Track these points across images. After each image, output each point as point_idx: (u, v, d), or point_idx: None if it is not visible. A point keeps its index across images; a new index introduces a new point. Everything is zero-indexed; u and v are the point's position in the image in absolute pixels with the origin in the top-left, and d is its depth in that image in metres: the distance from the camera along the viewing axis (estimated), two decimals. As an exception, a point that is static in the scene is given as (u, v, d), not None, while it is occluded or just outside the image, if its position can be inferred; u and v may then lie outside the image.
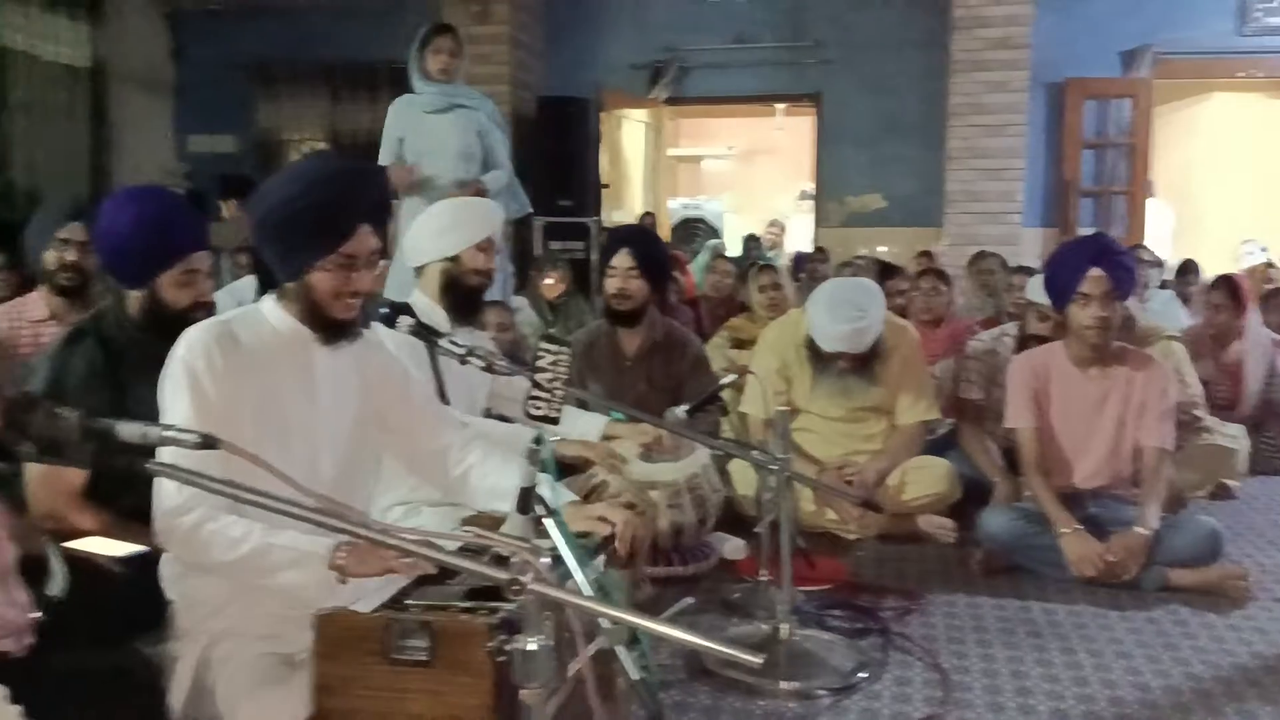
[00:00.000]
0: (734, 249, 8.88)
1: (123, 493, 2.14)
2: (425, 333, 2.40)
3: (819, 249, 7.56)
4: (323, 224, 1.82)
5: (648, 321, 3.65)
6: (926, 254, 6.88)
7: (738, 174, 13.38)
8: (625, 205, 8.75)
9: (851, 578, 3.23)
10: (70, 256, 3.30)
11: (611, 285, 3.59)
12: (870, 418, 3.72)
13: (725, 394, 3.18)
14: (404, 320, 2.39)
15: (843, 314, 3.50)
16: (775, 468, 2.55)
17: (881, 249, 7.80)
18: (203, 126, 9.01)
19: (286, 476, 1.34)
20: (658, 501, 3.09)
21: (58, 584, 1.74)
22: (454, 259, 2.81)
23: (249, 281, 3.78)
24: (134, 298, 2.36)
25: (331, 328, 1.88)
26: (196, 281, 2.38)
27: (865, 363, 3.61)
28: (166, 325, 2.29)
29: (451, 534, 1.45)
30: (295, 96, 8.91)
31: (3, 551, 1.56)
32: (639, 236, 3.74)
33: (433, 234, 2.84)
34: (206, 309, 2.40)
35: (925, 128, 7.75)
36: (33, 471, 2.21)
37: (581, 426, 3.05)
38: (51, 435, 1.35)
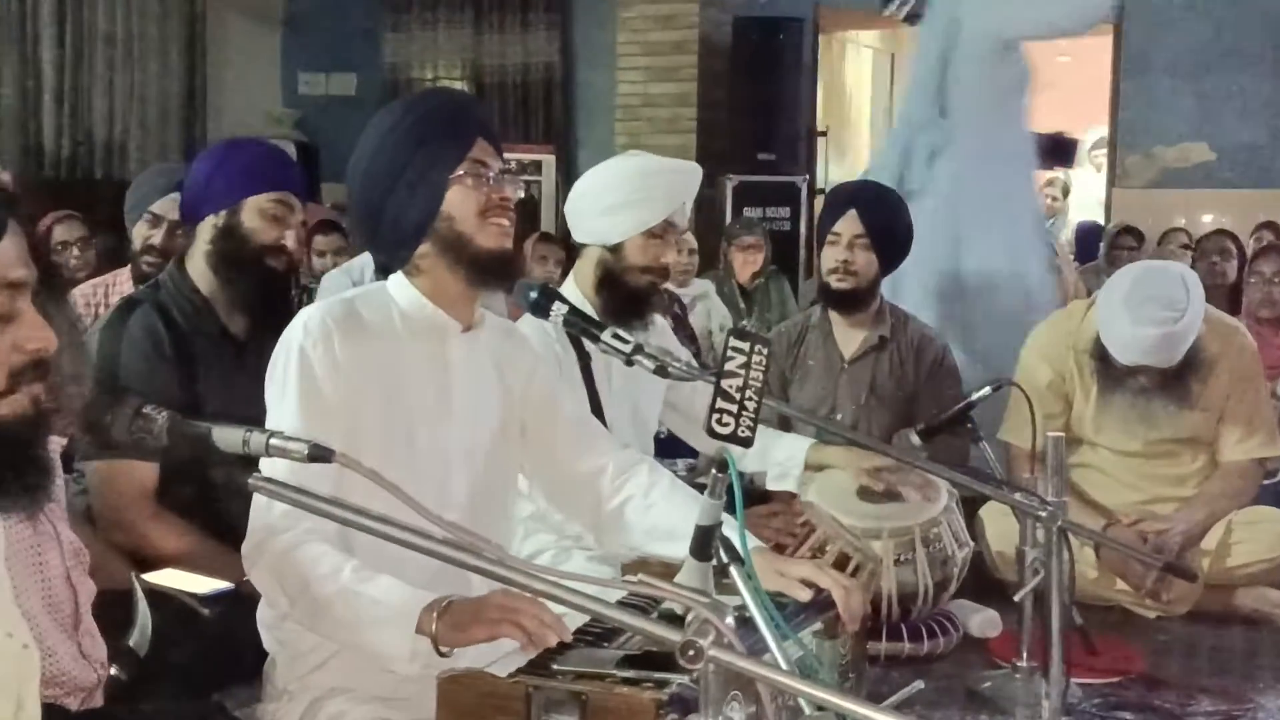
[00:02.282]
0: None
1: (205, 501, 2.33)
2: (582, 324, 2.45)
3: (1127, 229, 7.18)
4: (439, 129, 1.94)
5: (875, 310, 3.61)
6: (1270, 226, 6.51)
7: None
8: (848, 159, 8.69)
9: (1149, 669, 3.10)
10: (156, 238, 3.55)
11: (831, 258, 3.55)
12: (1181, 453, 3.56)
13: (978, 414, 3.11)
14: (557, 308, 2.46)
15: (1148, 313, 3.32)
16: (1044, 515, 2.48)
17: (1205, 218, 7.43)
18: (317, 63, 9.51)
19: (414, 501, 1.40)
20: (881, 556, 3.05)
21: (141, 633, 1.89)
22: (615, 249, 2.84)
23: (367, 258, 3.97)
24: (203, 245, 2.58)
25: (485, 266, 1.96)
26: (287, 220, 2.59)
27: (1177, 379, 3.44)
28: (239, 266, 2.55)
29: (610, 581, 1.49)
30: (429, 26, 9.26)
31: (80, 591, 1.70)
32: (871, 195, 3.68)
33: (592, 209, 2.87)
34: (289, 261, 2.61)
35: (1273, 55, 7.33)
36: (96, 473, 2.41)
37: (780, 452, 3.05)
38: (136, 440, 1.46)
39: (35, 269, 1.33)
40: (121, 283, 3.71)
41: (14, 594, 1.47)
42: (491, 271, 1.99)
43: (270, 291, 2.60)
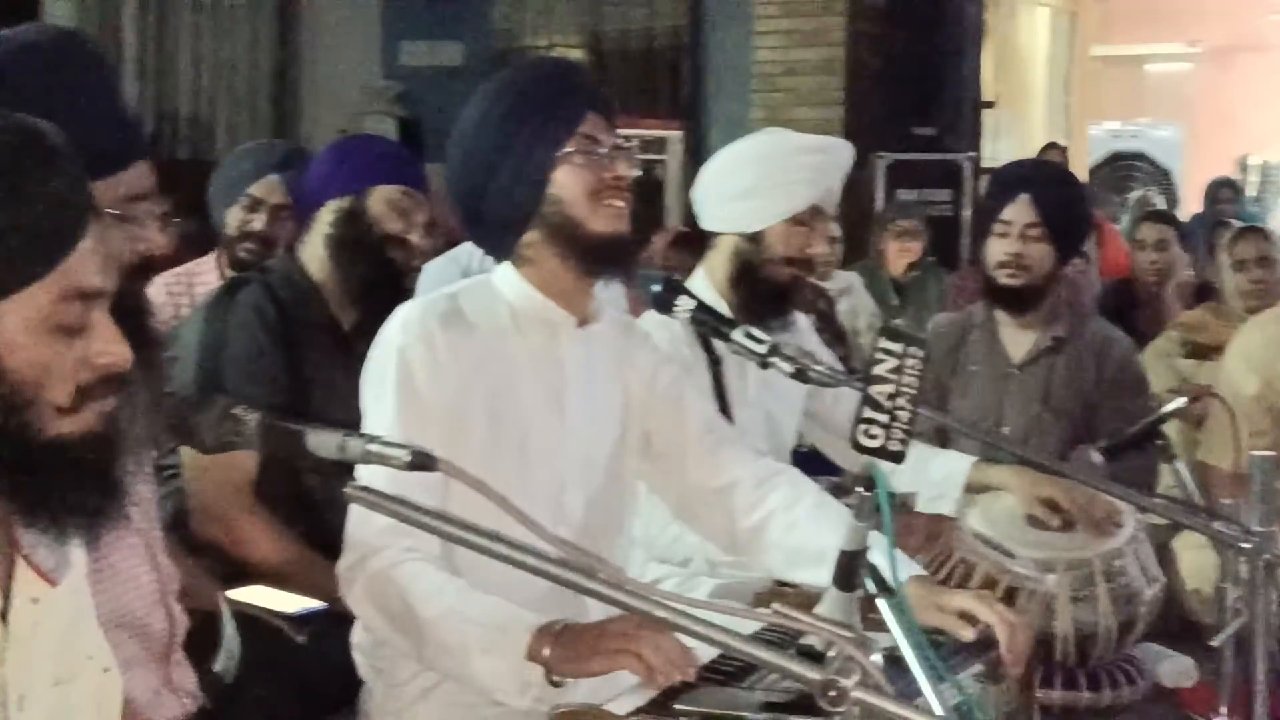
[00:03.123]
0: (1193, 202, 8.45)
1: (301, 509, 2.41)
2: (711, 321, 2.47)
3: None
4: (544, 102, 1.97)
5: (1049, 307, 3.55)
6: None
7: (1203, 84, 12.69)
8: (1020, 134, 8.57)
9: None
10: (258, 223, 3.63)
11: (1000, 250, 3.50)
12: None
13: (1170, 429, 3.04)
14: (683, 304, 2.48)
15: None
16: (1249, 547, 2.42)
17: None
18: (420, 31, 9.67)
19: (523, 514, 1.42)
20: (1056, 593, 3.00)
21: (227, 658, 1.95)
22: (754, 238, 2.84)
23: (470, 247, 4.02)
24: (323, 229, 2.73)
25: (599, 253, 1.99)
26: (413, 215, 2.77)
27: None
28: (358, 252, 2.70)
29: (743, 610, 1.49)
30: (544, -12, 9.39)
31: (175, 621, 1.77)
32: (1046, 176, 3.63)
33: (727, 193, 2.87)
34: (409, 256, 2.76)
35: None
36: (192, 461, 2.52)
37: (937, 470, 3.02)
38: (225, 444, 1.51)
39: (115, 276, 1.37)
40: (205, 272, 3.78)
41: (103, 616, 1.53)
42: (606, 259, 2.01)
43: (385, 285, 2.71)
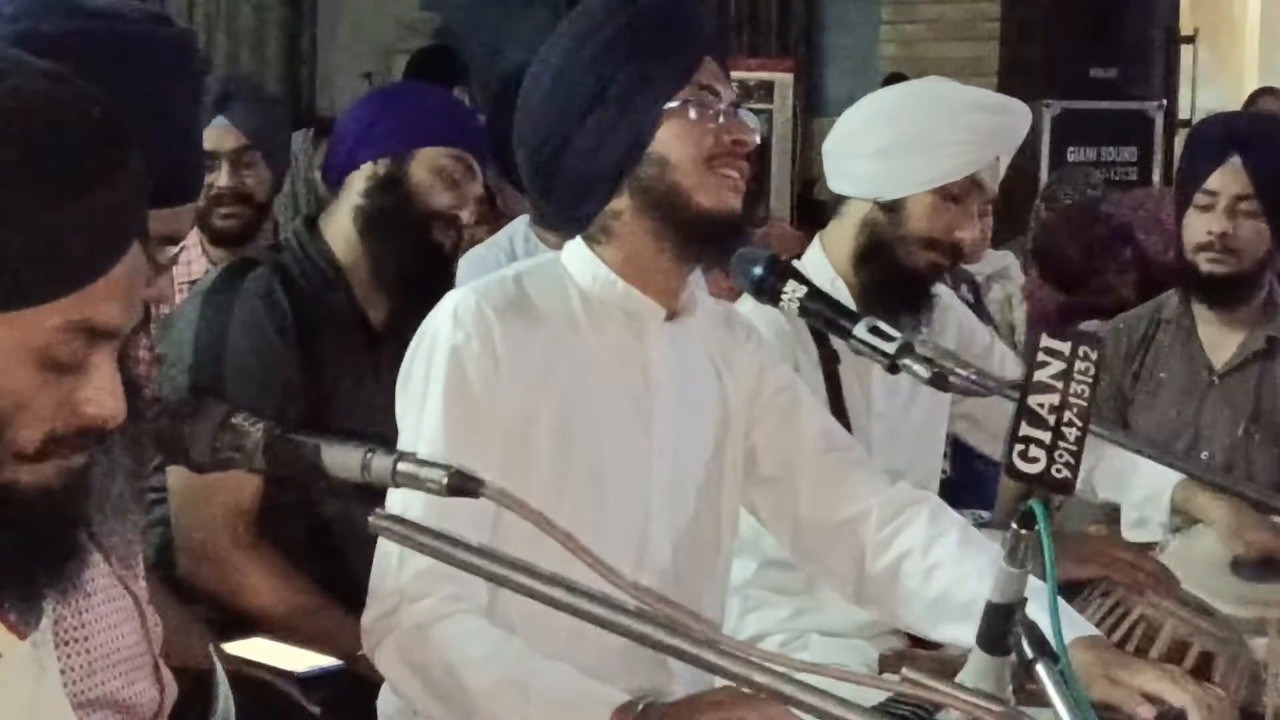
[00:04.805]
0: None
1: (313, 544, 2.44)
2: (827, 312, 2.44)
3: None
4: (655, 40, 1.98)
5: (1262, 301, 3.51)
6: None
7: None
8: (1225, 78, 8.46)
9: None
10: (221, 179, 3.61)
11: (1201, 227, 3.45)
12: None
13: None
14: (792, 289, 2.47)
15: None
16: None
17: None
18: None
19: (593, 556, 1.41)
20: (1267, 661, 2.97)
21: None
22: (891, 208, 2.82)
23: (522, 224, 4.06)
24: (352, 199, 2.75)
25: (705, 234, 2.00)
26: (466, 187, 2.77)
27: None
28: (395, 229, 2.72)
29: (865, 677, 1.50)
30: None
31: (164, 690, 1.79)
32: (1262, 134, 3.58)
33: (864, 148, 2.85)
34: (457, 240, 2.76)
35: None
36: (180, 485, 2.54)
37: (1138, 488, 3.00)
38: (221, 461, 1.53)
39: (138, 312, 1.37)
40: (194, 260, 3.79)
41: (76, 692, 1.56)
42: (711, 240, 2.02)
43: (425, 273, 2.71)
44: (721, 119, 2.00)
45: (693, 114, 1.98)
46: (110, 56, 1.59)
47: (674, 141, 1.98)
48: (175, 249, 1.75)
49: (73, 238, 1.28)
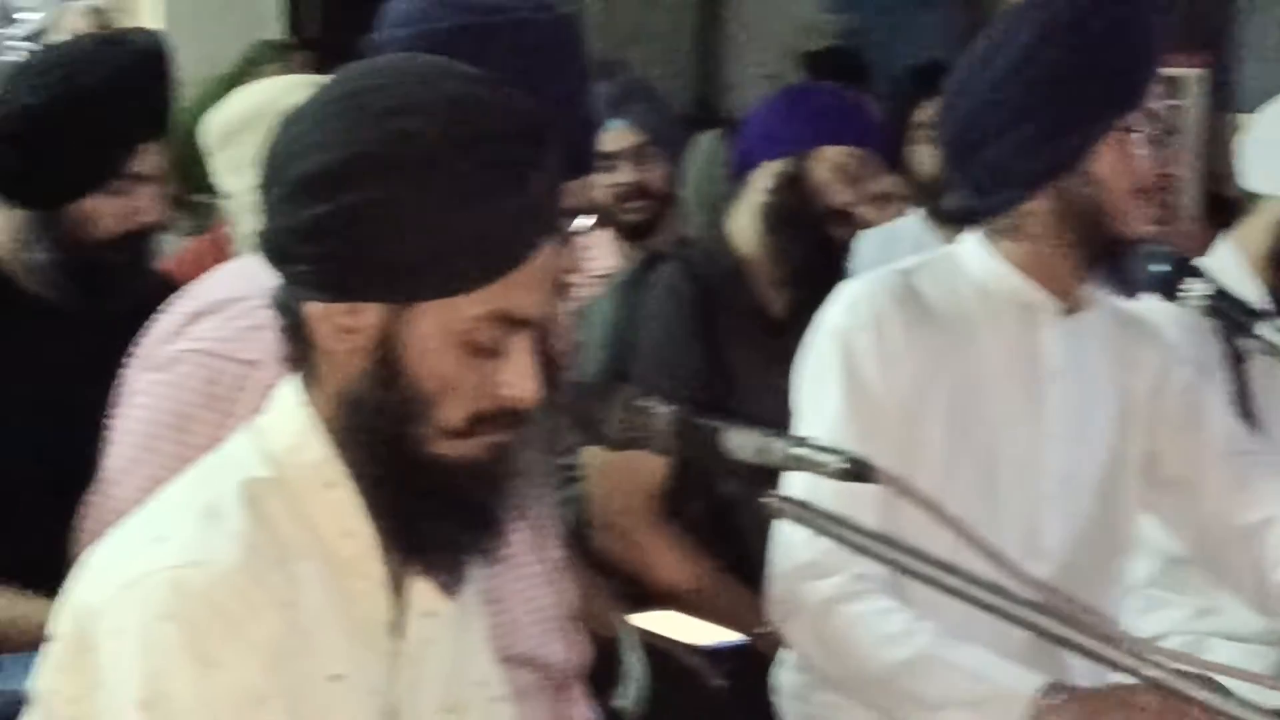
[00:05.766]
0: None
1: (716, 524, 2.49)
2: (1234, 312, 2.38)
3: None
4: (1118, 52, 1.95)
5: None
6: None
7: None
8: None
9: None
10: (623, 176, 3.71)
11: None
12: None
13: None
14: (1197, 287, 2.41)
15: None
16: None
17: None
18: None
19: (987, 544, 1.41)
20: None
21: (636, 694, 2.05)
22: None
23: (914, 221, 4.05)
24: (756, 196, 2.82)
25: (1116, 255, 1.99)
26: (864, 182, 2.82)
27: None
28: (795, 225, 2.77)
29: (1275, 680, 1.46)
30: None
31: (577, 651, 1.86)
32: None
33: None
34: (854, 234, 2.78)
35: None
36: (596, 465, 2.67)
37: None
38: (629, 440, 1.58)
39: (553, 301, 1.46)
40: (605, 254, 3.92)
41: (493, 648, 1.65)
42: (1119, 259, 2.01)
43: (824, 266, 2.75)
44: (1156, 149, 1.99)
45: (1136, 140, 1.96)
46: (500, 46, 1.67)
47: (1113, 164, 1.97)
48: (575, 222, 1.79)
49: (495, 231, 1.37)
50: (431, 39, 1.66)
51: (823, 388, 1.99)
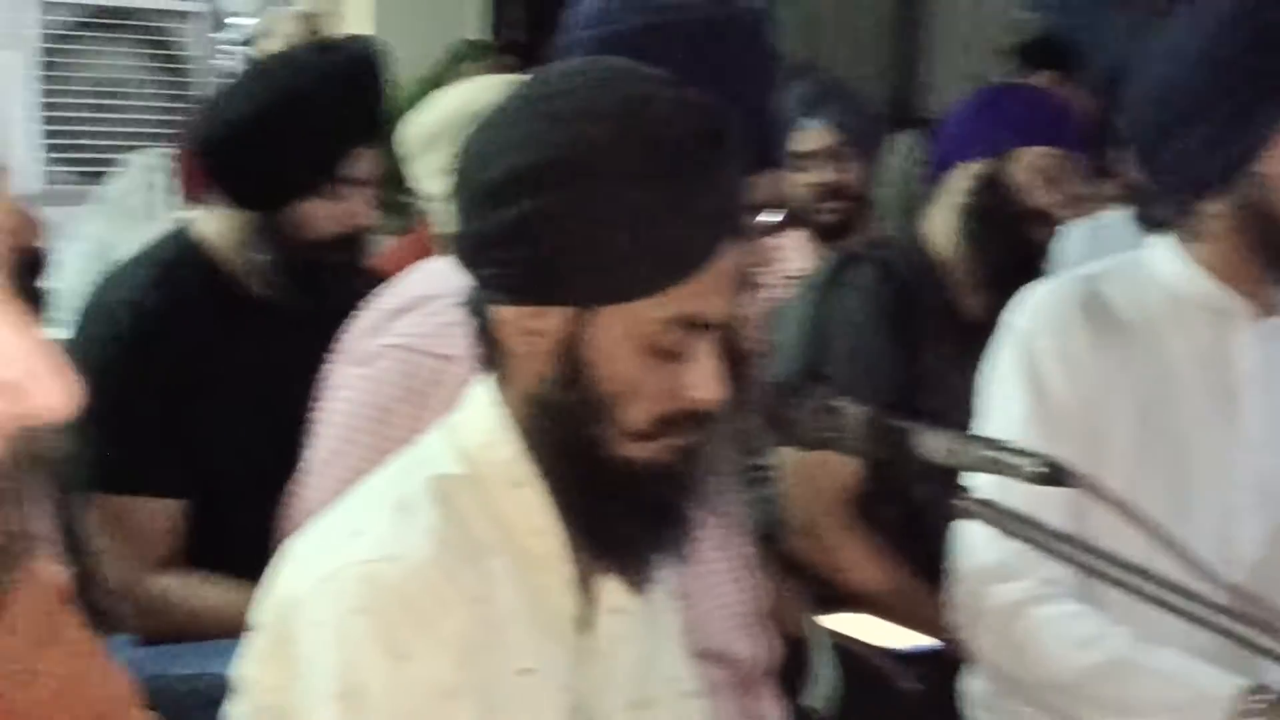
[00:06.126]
0: None
1: (907, 527, 2.49)
2: None
3: None
4: None
5: None
6: None
7: None
8: None
9: None
10: (826, 175, 3.73)
11: None
12: None
13: None
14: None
15: None
16: None
17: None
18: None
19: (1181, 548, 1.41)
20: None
21: (827, 694, 2.06)
22: None
23: (1118, 217, 3.97)
24: (954, 196, 2.81)
25: None
26: (1063, 183, 2.78)
27: None
28: (992, 227, 2.74)
29: None
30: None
31: (767, 648, 1.87)
32: None
33: None
34: (1048, 230, 2.77)
35: None
36: (791, 465, 2.68)
37: None
38: (821, 440, 1.59)
39: (737, 305, 1.46)
40: (800, 255, 3.92)
41: (695, 635, 1.67)
42: None
43: (1023, 268, 2.72)
44: None
45: None
46: (684, 44, 1.68)
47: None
48: (764, 217, 1.79)
49: (678, 235, 1.38)
50: (615, 39, 1.68)
51: (1006, 391, 1.98)
